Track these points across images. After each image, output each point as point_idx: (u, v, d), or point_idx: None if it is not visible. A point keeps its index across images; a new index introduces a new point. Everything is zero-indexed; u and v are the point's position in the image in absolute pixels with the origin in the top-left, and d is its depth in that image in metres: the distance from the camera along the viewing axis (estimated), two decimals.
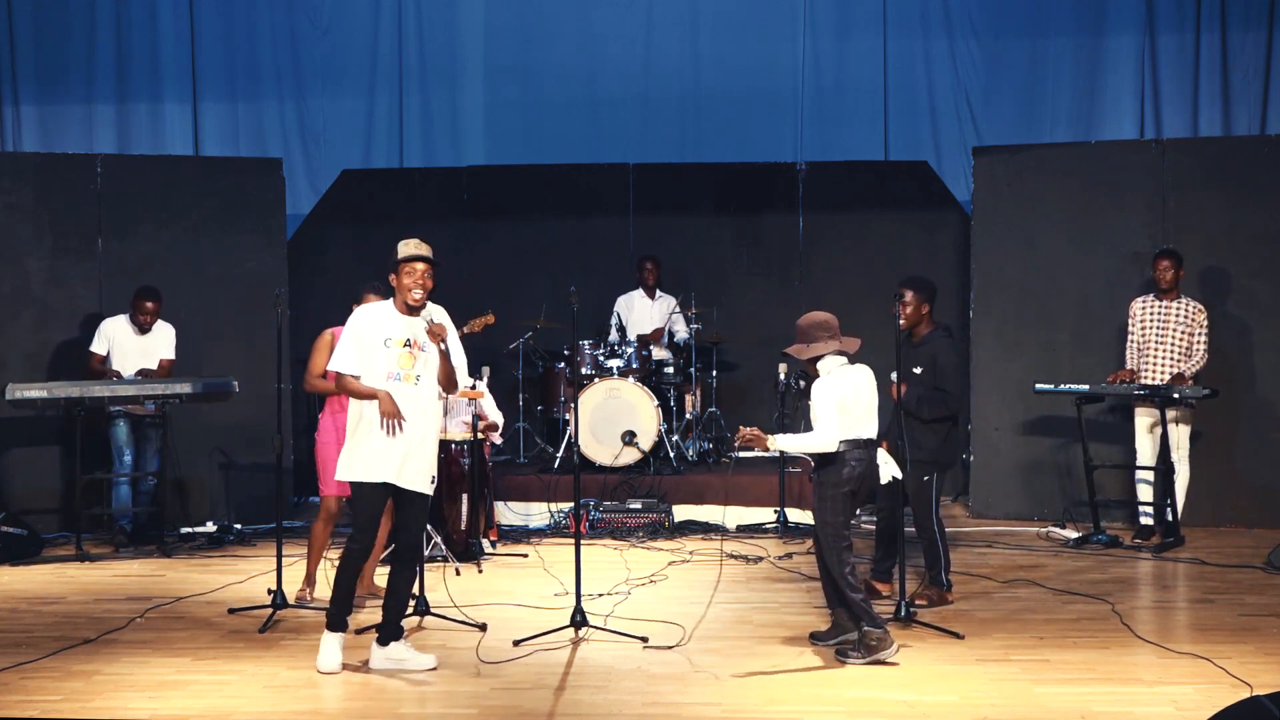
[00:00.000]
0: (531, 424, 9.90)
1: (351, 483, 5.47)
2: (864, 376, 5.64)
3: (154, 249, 8.92)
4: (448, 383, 5.49)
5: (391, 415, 5.32)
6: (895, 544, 6.43)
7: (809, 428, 5.59)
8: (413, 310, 5.43)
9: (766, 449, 5.72)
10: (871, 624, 5.46)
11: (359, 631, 5.97)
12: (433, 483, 5.50)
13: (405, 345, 5.41)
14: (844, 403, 5.51)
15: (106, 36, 10.91)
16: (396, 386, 5.38)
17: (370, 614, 6.30)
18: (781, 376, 8.83)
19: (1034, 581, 6.99)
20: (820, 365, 5.63)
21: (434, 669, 5.38)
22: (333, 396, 6.54)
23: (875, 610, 5.52)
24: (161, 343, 8.35)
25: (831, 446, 5.51)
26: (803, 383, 6.17)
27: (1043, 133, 10.41)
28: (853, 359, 5.66)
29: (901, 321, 6.35)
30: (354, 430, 5.45)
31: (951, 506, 9.53)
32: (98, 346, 8.28)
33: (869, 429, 5.62)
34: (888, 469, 5.85)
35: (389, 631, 5.45)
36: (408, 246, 5.44)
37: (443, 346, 5.40)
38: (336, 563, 5.36)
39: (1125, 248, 8.89)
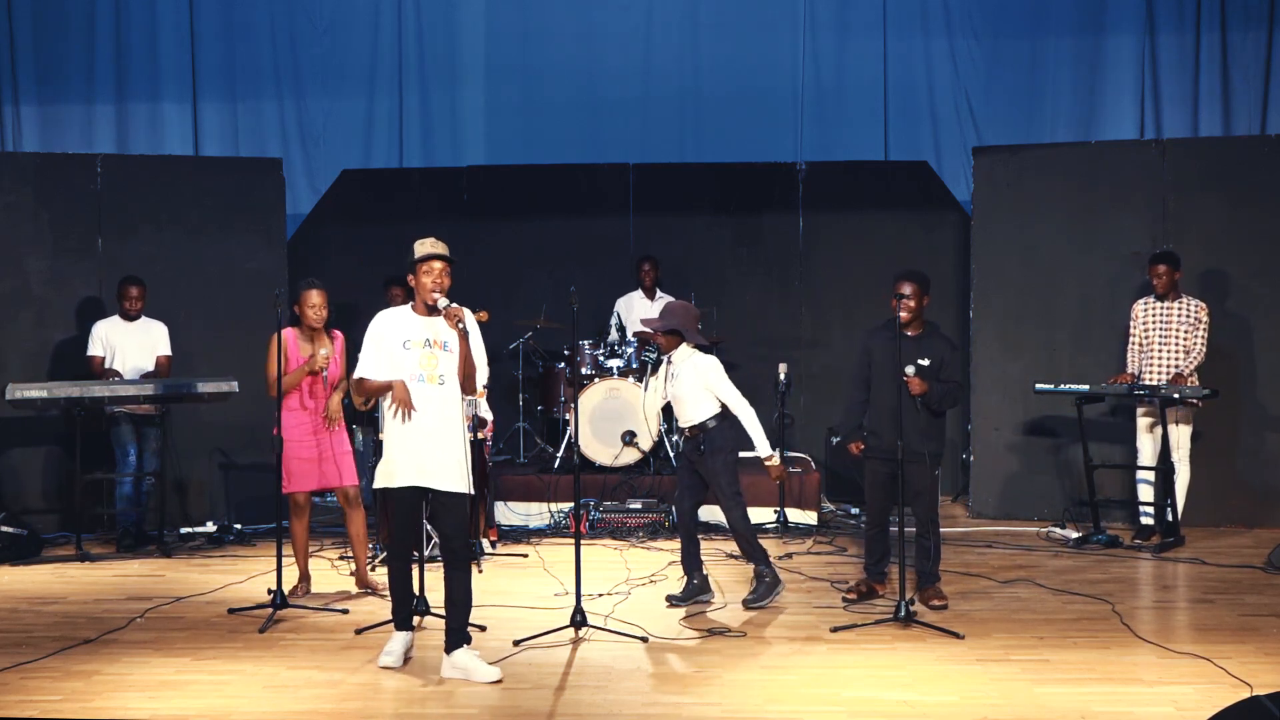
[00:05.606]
0: (531, 424, 9.89)
1: (389, 490, 5.44)
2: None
3: (154, 249, 8.92)
4: (466, 381, 5.40)
5: (403, 403, 5.30)
6: (889, 544, 6.45)
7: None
8: (432, 310, 5.38)
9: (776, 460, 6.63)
10: (766, 565, 6.48)
11: (358, 631, 5.99)
12: (469, 483, 5.42)
13: (426, 345, 5.36)
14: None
15: (106, 36, 10.92)
16: (420, 387, 5.33)
17: (368, 615, 6.31)
18: (781, 376, 8.84)
19: (1034, 581, 6.99)
20: (684, 348, 6.50)
21: (498, 681, 5.21)
22: (288, 397, 6.59)
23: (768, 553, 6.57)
24: (157, 339, 8.36)
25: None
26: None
27: (1043, 133, 10.40)
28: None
29: (904, 314, 6.31)
30: (386, 435, 5.46)
31: (951, 506, 9.54)
32: (94, 350, 8.28)
33: None
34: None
35: (453, 639, 5.37)
36: (424, 246, 5.41)
37: (461, 327, 5.32)
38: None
39: (1125, 248, 8.88)
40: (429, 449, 5.32)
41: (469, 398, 5.48)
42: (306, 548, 6.90)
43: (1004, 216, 9.20)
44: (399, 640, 5.54)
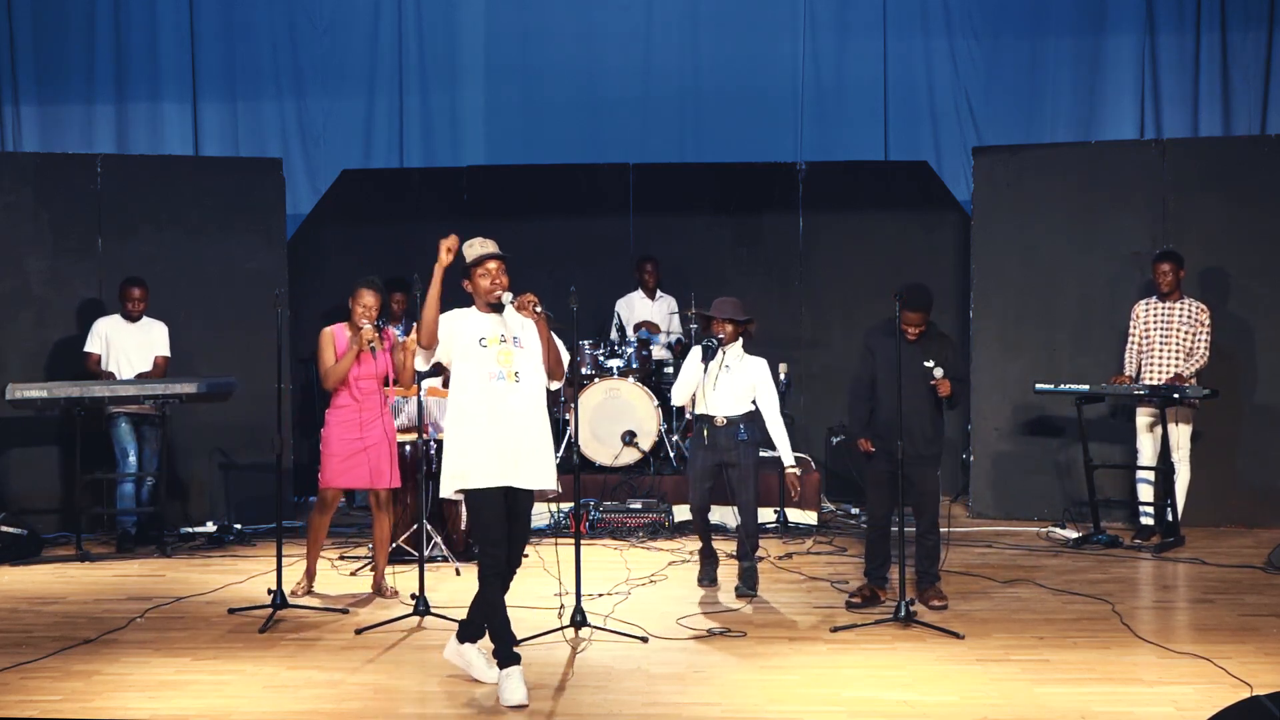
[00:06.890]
0: None
1: (468, 492, 5.11)
2: None
3: (154, 249, 8.92)
4: (555, 366, 5.28)
5: (450, 247, 5.15)
6: (889, 548, 6.43)
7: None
8: (495, 309, 5.26)
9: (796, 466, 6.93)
10: (753, 559, 6.78)
11: (358, 631, 5.99)
12: (555, 482, 5.22)
13: (501, 341, 5.21)
14: None
15: (106, 36, 10.90)
16: (499, 385, 5.10)
17: (368, 615, 6.31)
18: (781, 376, 8.83)
19: (1034, 581, 6.99)
20: (741, 343, 6.86)
21: (497, 684, 5.09)
22: (339, 392, 6.59)
23: None
24: (157, 339, 8.37)
25: None
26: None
27: (1043, 133, 10.40)
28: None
29: (911, 337, 6.31)
30: (456, 436, 5.13)
31: (952, 506, 9.53)
32: (92, 346, 8.29)
33: None
34: None
35: (467, 631, 5.25)
36: (473, 248, 5.30)
37: (539, 311, 5.20)
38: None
39: (1125, 248, 8.88)
40: (512, 447, 5.07)
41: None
42: (320, 544, 6.85)
43: (1004, 216, 9.20)
44: (511, 677, 4.97)
